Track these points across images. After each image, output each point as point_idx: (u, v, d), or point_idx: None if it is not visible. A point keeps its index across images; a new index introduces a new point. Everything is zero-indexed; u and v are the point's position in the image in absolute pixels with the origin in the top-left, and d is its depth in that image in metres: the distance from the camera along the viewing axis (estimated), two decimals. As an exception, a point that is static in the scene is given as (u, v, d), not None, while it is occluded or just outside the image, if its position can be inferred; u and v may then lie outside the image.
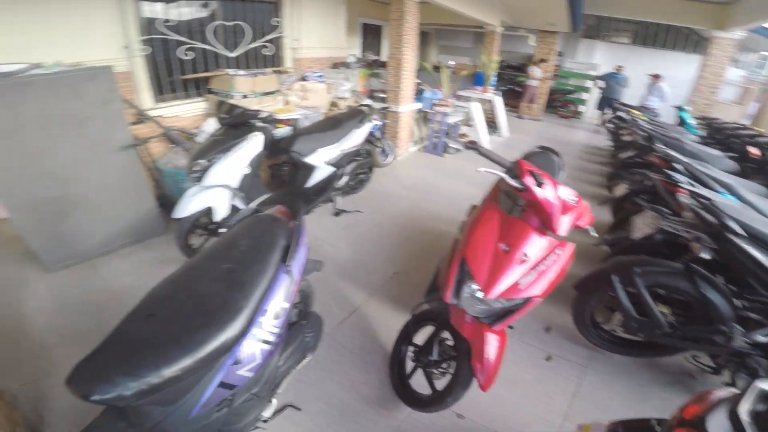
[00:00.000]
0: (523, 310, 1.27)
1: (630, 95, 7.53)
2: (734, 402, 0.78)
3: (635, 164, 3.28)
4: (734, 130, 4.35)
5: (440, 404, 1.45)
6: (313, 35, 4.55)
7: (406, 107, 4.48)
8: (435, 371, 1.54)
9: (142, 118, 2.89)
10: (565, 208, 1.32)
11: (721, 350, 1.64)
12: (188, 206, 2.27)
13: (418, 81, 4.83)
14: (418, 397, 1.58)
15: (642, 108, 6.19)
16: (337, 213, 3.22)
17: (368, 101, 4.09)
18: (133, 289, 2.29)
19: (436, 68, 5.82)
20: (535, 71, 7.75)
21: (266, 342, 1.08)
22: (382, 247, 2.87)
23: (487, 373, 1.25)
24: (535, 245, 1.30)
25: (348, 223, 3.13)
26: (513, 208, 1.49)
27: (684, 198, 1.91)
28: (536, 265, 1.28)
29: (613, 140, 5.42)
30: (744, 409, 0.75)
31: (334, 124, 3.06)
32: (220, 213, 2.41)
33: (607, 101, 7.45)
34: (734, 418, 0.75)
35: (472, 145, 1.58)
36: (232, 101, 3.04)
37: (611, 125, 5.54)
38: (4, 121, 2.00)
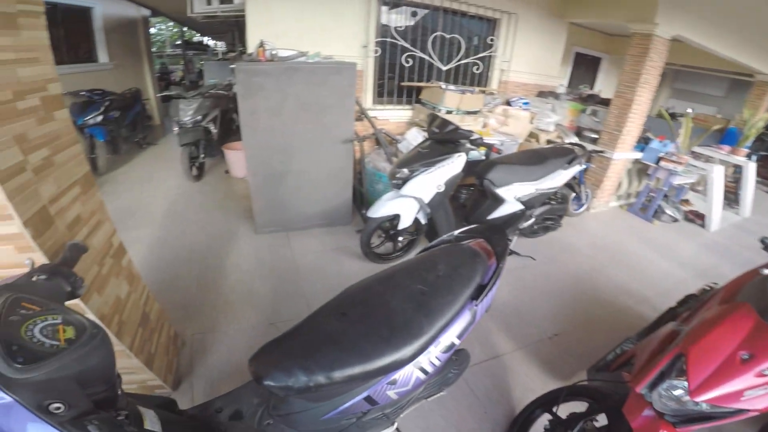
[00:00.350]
0: (726, 420, 1.12)
1: None
2: None
3: None
4: None
5: None
6: (523, 59, 4.29)
7: (623, 155, 3.75)
8: None
9: (361, 116, 3.25)
10: None
11: None
12: (382, 209, 2.40)
13: (645, 128, 3.96)
14: None
15: None
16: (509, 253, 2.92)
17: (575, 139, 3.58)
18: (312, 268, 2.60)
19: (673, 116, 4.69)
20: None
21: (424, 371, 1.06)
22: (546, 302, 2.52)
23: None
24: None
25: (515, 267, 2.83)
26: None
27: None
28: None
29: None
30: None
31: (537, 158, 2.76)
32: (404, 222, 2.47)
33: None
34: None
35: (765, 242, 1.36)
36: (438, 114, 3.09)
37: None
38: (276, 100, 2.48)
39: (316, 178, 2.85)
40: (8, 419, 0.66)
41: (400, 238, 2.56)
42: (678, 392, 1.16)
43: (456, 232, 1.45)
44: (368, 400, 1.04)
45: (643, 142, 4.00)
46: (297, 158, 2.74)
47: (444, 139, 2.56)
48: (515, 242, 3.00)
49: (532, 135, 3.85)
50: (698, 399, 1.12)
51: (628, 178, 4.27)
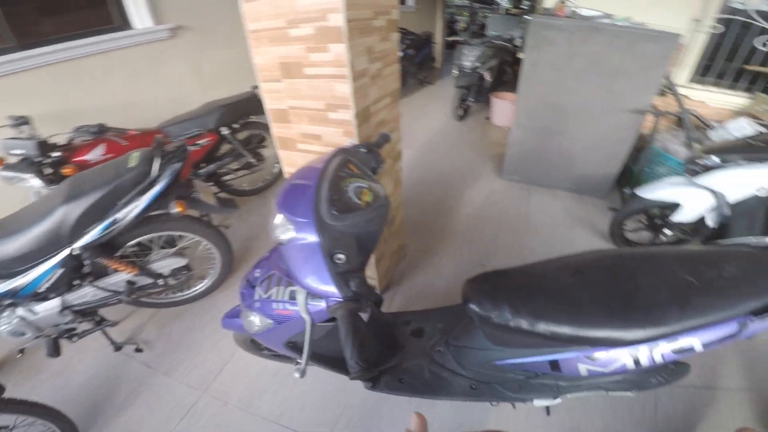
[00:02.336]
0: None
1: None
2: None
3: None
4: None
5: None
6: None
7: None
8: None
9: (667, 91, 2.78)
10: None
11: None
12: (659, 191, 2.12)
13: None
14: None
15: None
16: None
17: None
18: (543, 227, 2.60)
19: None
20: None
21: (636, 362, 0.91)
22: None
23: None
24: None
25: None
26: None
27: None
28: None
29: None
30: None
31: None
32: (684, 215, 2.11)
33: None
34: None
35: None
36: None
37: None
38: (564, 56, 2.43)
39: (584, 142, 2.72)
40: (309, 255, 0.74)
41: (668, 232, 2.22)
42: None
43: (766, 240, 1.16)
44: (553, 364, 0.97)
45: None
46: (569, 116, 2.67)
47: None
48: None
49: None
50: None
51: None
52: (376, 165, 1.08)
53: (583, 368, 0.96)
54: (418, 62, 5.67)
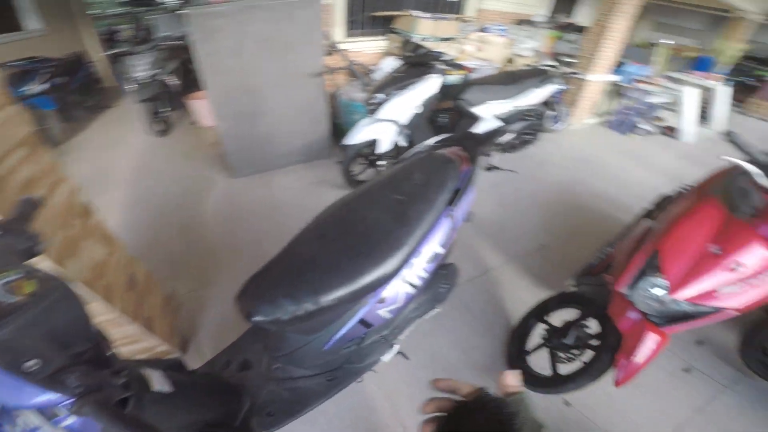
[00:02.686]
0: (706, 319, 1.15)
1: None
2: None
3: None
4: None
5: (557, 388, 1.38)
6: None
7: (599, 77, 3.74)
8: (562, 355, 1.46)
9: (331, 50, 3.07)
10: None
11: None
12: (358, 135, 2.33)
13: (624, 54, 3.98)
14: (533, 375, 1.49)
15: None
16: (490, 168, 2.96)
17: (552, 63, 3.54)
18: (294, 204, 2.54)
19: (652, 45, 4.74)
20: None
21: (412, 285, 1.03)
22: (531, 215, 2.57)
23: (629, 371, 1.20)
24: (755, 256, 1.10)
25: (499, 181, 2.86)
26: (740, 208, 1.23)
27: None
28: (747, 278, 1.10)
29: None
30: None
31: (511, 79, 2.76)
32: (383, 146, 2.41)
33: None
34: None
35: (729, 135, 1.33)
36: (411, 40, 2.97)
37: None
38: (235, 41, 2.31)
39: (288, 115, 2.71)
40: None
41: (381, 163, 2.51)
42: (658, 291, 1.16)
43: (429, 141, 1.40)
44: (363, 323, 1.02)
45: (619, 66, 4.04)
46: (264, 97, 2.60)
47: (418, 63, 2.48)
48: (497, 158, 3.02)
49: (510, 60, 3.81)
50: (676, 296, 1.13)
51: (605, 98, 4.35)
52: (32, 244, 0.82)
53: (384, 312, 1.03)
54: (78, 88, 4.37)
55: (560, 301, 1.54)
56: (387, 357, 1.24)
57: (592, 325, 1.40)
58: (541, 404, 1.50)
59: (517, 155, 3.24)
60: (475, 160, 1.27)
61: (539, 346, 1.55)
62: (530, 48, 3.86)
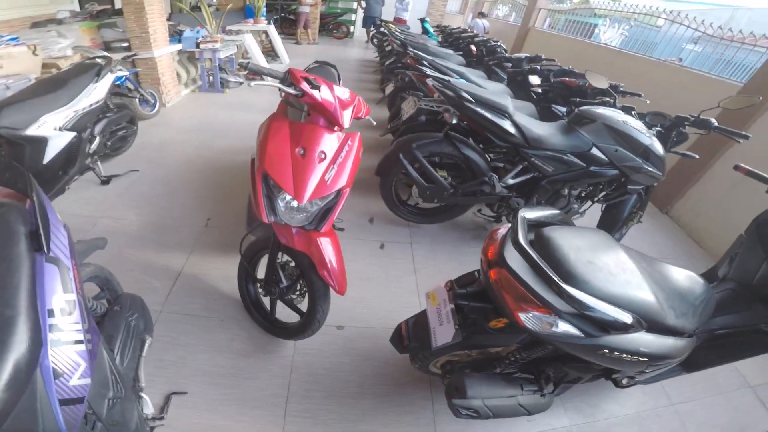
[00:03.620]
0: (338, 205, 1.32)
1: (387, 12, 8.44)
2: (513, 233, 0.92)
3: (397, 67, 3.87)
4: (460, 34, 5.50)
5: (314, 323, 1.46)
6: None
7: (162, 51, 3.72)
8: (293, 296, 1.54)
9: None
10: (343, 104, 1.41)
11: (491, 198, 2.20)
12: None
13: (171, 23, 4.02)
14: (291, 327, 1.57)
15: (396, 21, 7.06)
16: (106, 180, 2.61)
17: (103, 53, 3.18)
18: None
19: (197, 8, 4.94)
20: (305, -3, 7.58)
21: (78, 342, 0.86)
22: (180, 199, 2.52)
23: (335, 276, 1.29)
24: (328, 142, 1.34)
25: (125, 188, 2.58)
26: (299, 116, 1.50)
27: (431, 83, 2.37)
28: (334, 160, 1.33)
29: (379, 52, 6.10)
30: (521, 236, 0.90)
31: (55, 85, 2.30)
32: None
33: (370, 19, 8.16)
34: (518, 247, 0.89)
35: (243, 64, 1.40)
36: None
37: (375, 40, 6.29)
38: None
39: None
40: None
41: None
42: (293, 203, 1.26)
43: None
44: (66, 402, 0.78)
45: (177, 36, 4.12)
46: None
47: None
48: (106, 167, 2.68)
49: (52, 66, 3.14)
50: (304, 201, 1.23)
51: (184, 67, 4.48)
52: None
53: (76, 380, 0.83)
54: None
55: (248, 255, 1.58)
56: (149, 410, 1.08)
57: (288, 257, 1.48)
58: (324, 341, 1.64)
59: (127, 154, 2.96)
60: (32, 189, 1.01)
61: (272, 302, 1.60)
62: (68, 46, 3.37)
